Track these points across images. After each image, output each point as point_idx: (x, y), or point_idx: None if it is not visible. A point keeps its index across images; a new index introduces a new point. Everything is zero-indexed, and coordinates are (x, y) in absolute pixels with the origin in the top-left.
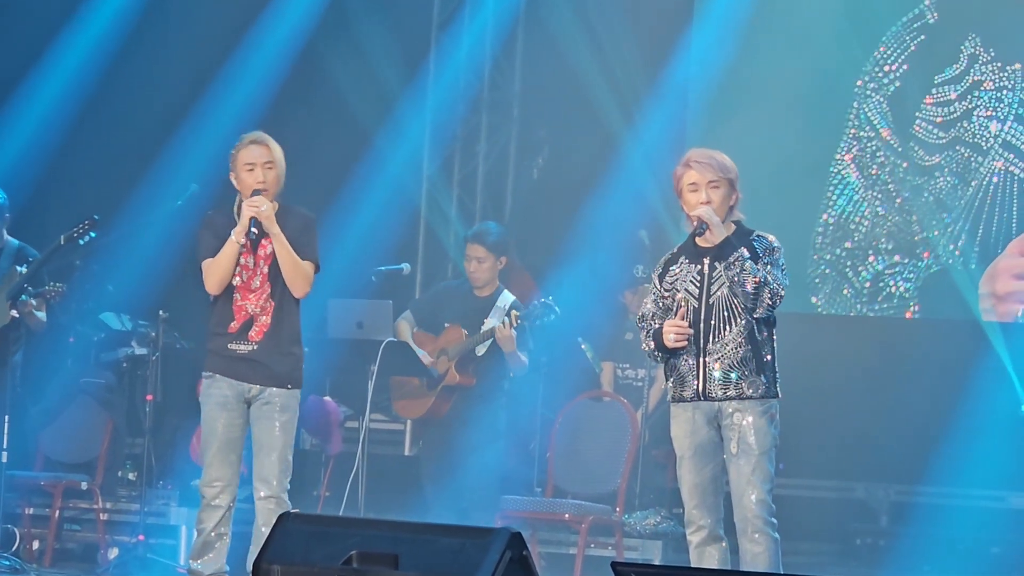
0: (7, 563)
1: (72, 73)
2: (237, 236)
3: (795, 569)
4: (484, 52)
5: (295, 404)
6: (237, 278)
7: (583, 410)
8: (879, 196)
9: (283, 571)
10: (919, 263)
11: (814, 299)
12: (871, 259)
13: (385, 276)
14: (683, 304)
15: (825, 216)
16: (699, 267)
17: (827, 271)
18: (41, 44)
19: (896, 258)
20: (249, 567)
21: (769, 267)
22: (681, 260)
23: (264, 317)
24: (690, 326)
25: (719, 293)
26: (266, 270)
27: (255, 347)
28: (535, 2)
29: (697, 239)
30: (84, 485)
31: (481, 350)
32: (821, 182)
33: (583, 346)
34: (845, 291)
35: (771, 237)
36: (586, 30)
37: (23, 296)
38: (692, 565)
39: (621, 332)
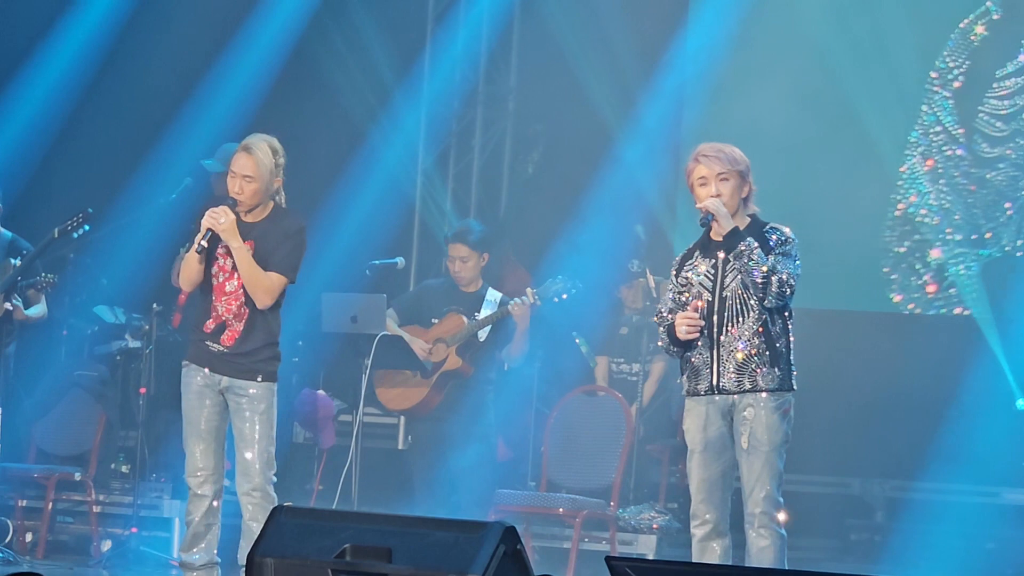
0: (0, 555)
1: (66, 67)
2: (195, 244)
3: (791, 564)
4: (480, 46)
5: (269, 396)
6: (214, 279)
7: (578, 405)
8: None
9: (276, 564)
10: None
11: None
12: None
13: (379, 270)
14: (696, 298)
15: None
16: (713, 261)
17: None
18: (35, 39)
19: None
20: (239, 561)
21: (780, 257)
22: (696, 255)
23: (238, 324)
24: (703, 319)
25: (732, 286)
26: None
27: (226, 349)
28: None
29: (711, 234)
30: (77, 477)
31: (483, 335)
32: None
33: (578, 341)
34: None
35: (786, 229)
36: (582, 23)
37: (17, 288)
38: (694, 558)
39: (616, 327)
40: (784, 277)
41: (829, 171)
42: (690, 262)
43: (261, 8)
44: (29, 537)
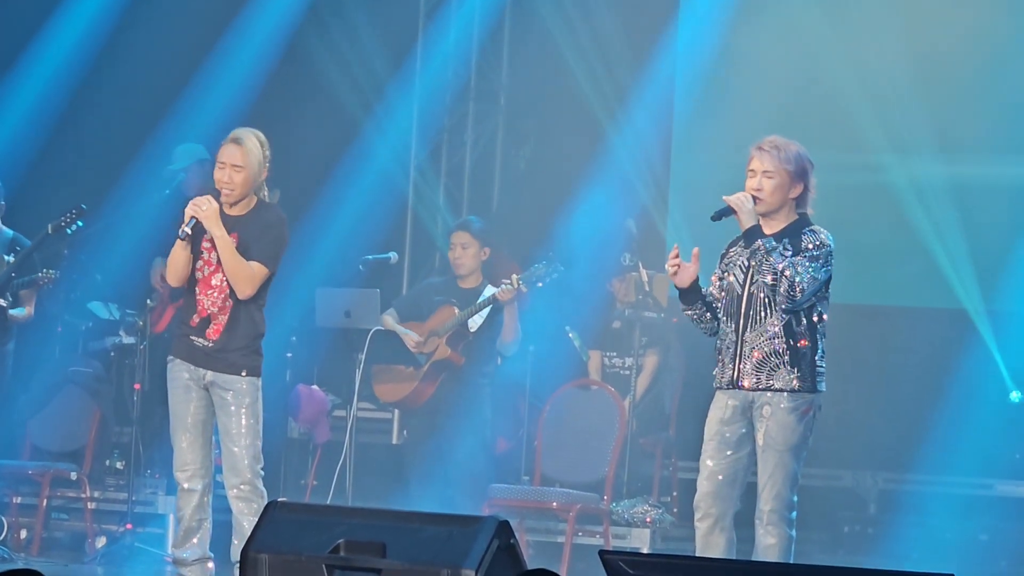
0: None
1: (60, 63)
2: (179, 231)
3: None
4: (471, 41)
5: (254, 391)
6: (199, 272)
7: (571, 399)
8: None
9: (271, 560)
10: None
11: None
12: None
13: (373, 265)
14: (730, 284)
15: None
16: (749, 253)
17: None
18: (28, 34)
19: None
20: (232, 557)
21: (802, 259)
22: (739, 243)
23: (222, 317)
24: (733, 313)
25: (758, 283)
26: None
27: (211, 344)
28: None
29: (743, 229)
30: (72, 474)
31: (474, 325)
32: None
33: (571, 334)
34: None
35: (822, 234)
36: (573, 19)
37: (12, 286)
38: (697, 551)
39: (609, 320)
40: (795, 280)
41: (819, 166)
42: (734, 248)
43: (254, 4)
44: (24, 534)
